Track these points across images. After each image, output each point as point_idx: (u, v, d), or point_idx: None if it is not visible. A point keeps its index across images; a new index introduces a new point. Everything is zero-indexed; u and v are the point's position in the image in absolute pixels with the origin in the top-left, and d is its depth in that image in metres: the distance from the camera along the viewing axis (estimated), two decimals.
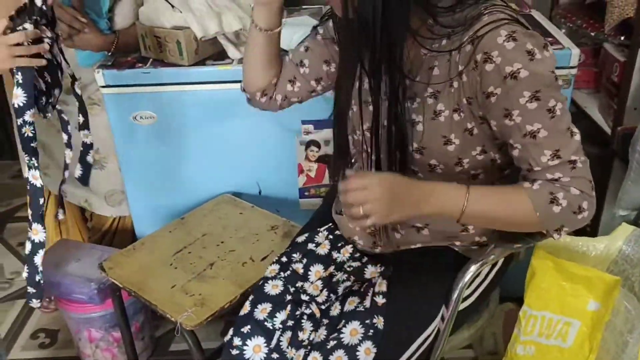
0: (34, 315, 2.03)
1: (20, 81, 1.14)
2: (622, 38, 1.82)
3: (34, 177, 1.24)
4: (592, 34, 1.94)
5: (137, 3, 1.65)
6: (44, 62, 1.18)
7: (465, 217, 0.92)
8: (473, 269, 1.00)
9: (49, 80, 1.24)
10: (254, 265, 1.43)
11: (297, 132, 1.71)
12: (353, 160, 1.17)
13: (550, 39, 1.64)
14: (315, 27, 1.21)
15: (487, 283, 1.10)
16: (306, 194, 1.80)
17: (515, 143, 0.92)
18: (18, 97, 1.15)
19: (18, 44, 1.11)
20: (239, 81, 1.57)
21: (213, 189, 1.79)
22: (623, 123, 1.81)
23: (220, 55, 1.64)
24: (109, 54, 1.64)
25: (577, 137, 0.92)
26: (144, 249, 1.52)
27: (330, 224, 1.24)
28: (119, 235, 2.00)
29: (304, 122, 1.69)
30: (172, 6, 1.55)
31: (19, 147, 1.91)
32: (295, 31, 1.65)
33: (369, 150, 1.06)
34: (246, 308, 1.16)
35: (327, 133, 1.70)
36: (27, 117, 1.17)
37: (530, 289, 1.12)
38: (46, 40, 1.17)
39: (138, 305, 1.70)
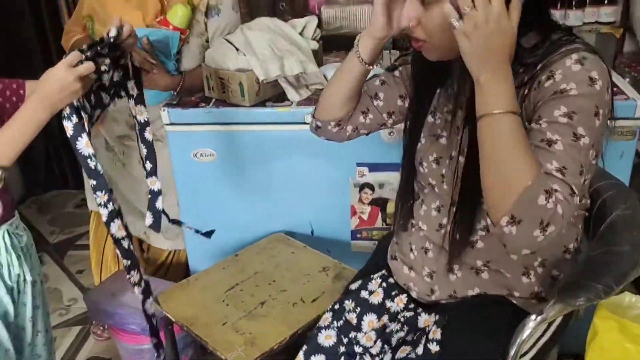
0: (89, 343, 2.08)
1: (67, 113, 1.11)
2: None
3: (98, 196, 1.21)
4: None
5: (204, 46, 1.73)
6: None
7: (490, 119, 0.86)
8: (532, 324, 0.96)
9: (93, 101, 1.23)
10: (304, 307, 1.43)
11: (351, 174, 1.72)
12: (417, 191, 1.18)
13: (614, 89, 1.60)
14: (392, 64, 1.23)
15: (545, 339, 1.06)
16: (358, 236, 1.80)
17: (531, 145, 0.88)
18: (68, 130, 1.12)
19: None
20: (297, 123, 1.64)
21: (267, 227, 1.81)
22: None
23: (279, 97, 1.69)
24: (175, 93, 1.71)
25: (586, 182, 0.89)
26: (198, 284, 1.55)
27: (384, 271, 1.23)
28: (174, 268, 2.04)
29: (359, 165, 1.70)
30: (237, 49, 1.62)
31: (85, 179, 2.01)
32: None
33: (434, 182, 1.10)
34: (300, 359, 1.15)
35: (381, 176, 1.71)
36: (81, 144, 1.12)
37: (591, 349, 1.07)
38: (103, 67, 1.17)
39: (188, 339, 1.72)
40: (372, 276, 1.23)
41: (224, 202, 1.80)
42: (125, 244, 1.22)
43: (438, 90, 1.12)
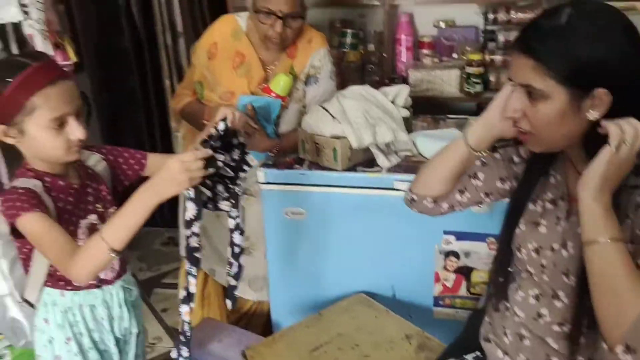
0: None
1: (192, 196, 1.20)
2: None
3: (191, 284, 1.34)
4: None
5: (301, 111, 1.83)
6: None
7: (598, 247, 0.91)
8: None
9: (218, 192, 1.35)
10: None
11: (437, 241, 1.74)
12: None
13: None
14: (493, 146, 1.26)
15: None
16: (441, 303, 1.80)
17: None
18: (189, 210, 1.23)
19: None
20: (386, 188, 1.69)
21: (349, 286, 1.85)
22: None
23: (369, 163, 1.75)
24: (272, 154, 1.81)
25: None
26: (283, 342, 1.60)
27: (478, 352, 1.23)
28: (256, 319, 2.11)
29: (445, 233, 1.72)
30: (333, 117, 1.70)
31: (180, 215, 2.14)
32: (443, 144, 1.72)
33: (532, 270, 1.10)
34: None
35: (468, 245, 1.71)
36: (195, 228, 1.26)
37: None
38: (219, 162, 1.28)
39: None
40: (465, 357, 1.23)
41: (310, 258, 1.85)
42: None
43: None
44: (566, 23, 0.93)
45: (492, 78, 2.40)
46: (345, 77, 2.46)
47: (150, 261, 3.06)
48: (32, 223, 1.13)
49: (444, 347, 1.47)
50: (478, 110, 2.44)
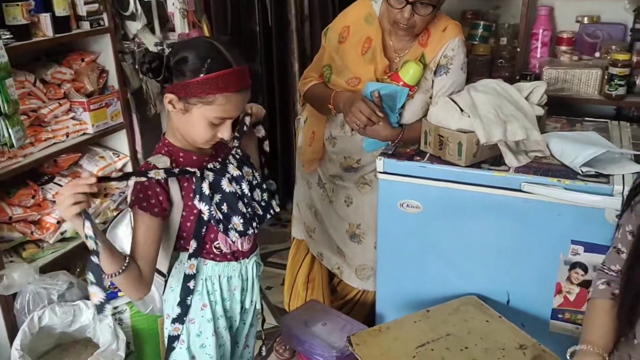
0: (271, 358, 2.23)
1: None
2: None
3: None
4: None
5: (427, 102, 1.78)
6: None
7: None
8: None
9: (226, 210, 1.30)
10: None
11: (563, 250, 1.62)
12: None
13: None
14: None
15: None
16: (559, 316, 1.68)
17: None
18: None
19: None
20: (512, 189, 1.60)
21: (459, 287, 1.78)
22: None
23: (496, 161, 1.67)
24: (393, 144, 1.78)
25: None
26: (390, 334, 1.57)
27: None
28: (359, 307, 2.11)
29: (574, 242, 1.60)
30: (461, 110, 1.63)
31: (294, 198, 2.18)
32: (581, 148, 1.60)
33: None
34: None
35: (598, 258, 1.57)
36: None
37: None
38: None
39: None
40: None
41: (422, 254, 1.81)
42: None
43: None
44: None
45: (637, 81, 2.19)
46: (471, 71, 2.36)
47: (260, 240, 3.14)
48: (140, 221, 1.22)
49: None
50: (617, 115, 2.25)
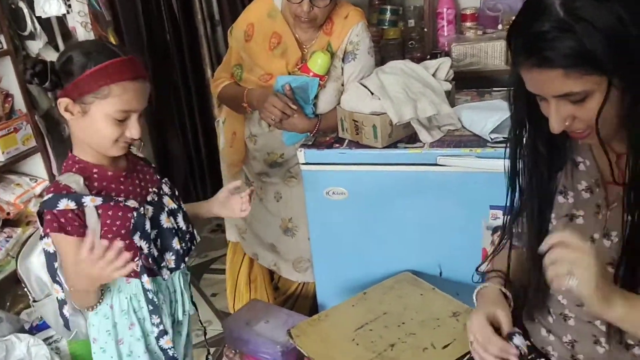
0: None
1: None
2: None
3: None
4: None
5: (339, 90, 1.80)
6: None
7: None
8: None
9: (160, 246, 1.30)
10: (435, 353, 1.42)
11: (484, 217, 1.68)
12: None
13: None
14: None
15: None
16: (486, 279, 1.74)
17: None
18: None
19: None
20: (429, 164, 1.65)
21: (394, 266, 1.82)
22: None
23: (411, 139, 1.71)
24: (311, 135, 1.80)
25: None
26: (328, 321, 1.59)
27: (521, 331, 1.18)
28: (302, 300, 2.12)
29: (492, 208, 1.66)
30: (372, 93, 1.67)
31: None
32: (488, 115, 1.66)
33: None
34: None
35: None
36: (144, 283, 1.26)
37: None
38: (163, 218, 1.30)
39: None
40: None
41: (353, 238, 1.83)
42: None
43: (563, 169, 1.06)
44: (565, 14, 0.83)
45: None
46: (385, 55, 2.41)
47: (199, 248, 3.11)
48: (67, 247, 1.18)
49: None
50: None
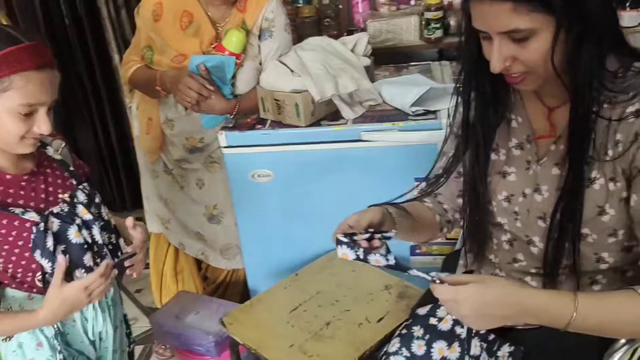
0: None
1: None
2: None
3: None
4: None
5: (257, 69, 1.75)
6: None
7: (574, 325, 0.87)
8: (623, 349, 0.93)
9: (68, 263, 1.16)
10: (370, 327, 1.42)
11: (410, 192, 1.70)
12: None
13: None
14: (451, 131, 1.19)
15: None
16: (417, 251, 1.78)
17: None
18: None
19: None
20: (353, 140, 1.65)
21: (325, 244, 1.80)
22: None
23: (334, 116, 1.69)
24: (231, 116, 1.74)
25: None
26: (261, 305, 1.56)
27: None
28: (232, 287, 2.07)
29: (417, 180, 1.68)
30: (292, 71, 1.63)
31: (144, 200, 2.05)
32: (408, 89, 1.68)
33: (504, 220, 1.07)
34: None
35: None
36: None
37: None
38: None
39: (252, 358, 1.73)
40: (440, 303, 1.21)
41: (282, 220, 1.80)
42: None
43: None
44: None
45: (451, 22, 2.34)
46: (301, 33, 2.37)
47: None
48: None
49: (422, 293, 1.46)
50: (440, 57, 2.40)
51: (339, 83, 1.64)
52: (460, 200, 1.17)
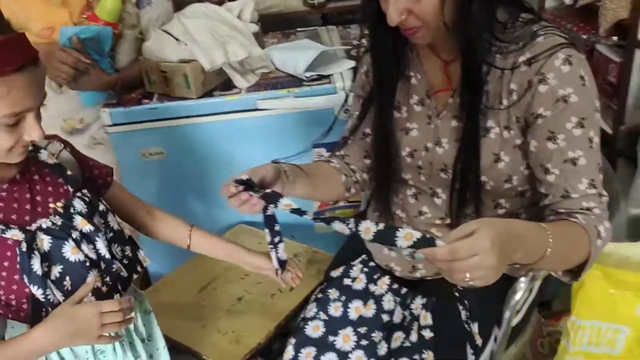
0: None
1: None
2: (616, 39, 1.86)
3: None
4: (584, 36, 1.98)
5: (138, 39, 1.63)
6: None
7: (543, 260, 0.84)
8: (524, 286, 0.99)
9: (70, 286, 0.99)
10: (283, 297, 1.41)
11: (310, 157, 1.68)
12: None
13: None
14: (353, 94, 1.20)
15: (533, 296, 1.10)
16: (322, 217, 1.78)
17: (554, 168, 0.93)
18: None
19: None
20: (249, 110, 1.60)
21: (226, 220, 1.76)
22: (625, 122, 1.85)
23: (226, 86, 1.63)
24: (113, 92, 1.61)
25: (602, 174, 0.94)
26: (167, 289, 1.49)
27: (364, 255, 1.23)
28: None
29: (315, 146, 1.68)
30: (177, 40, 1.54)
31: None
32: (299, 54, 1.65)
33: (409, 175, 1.10)
34: (289, 353, 1.13)
35: None
36: None
37: (578, 300, 1.12)
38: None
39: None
40: (352, 263, 1.22)
41: (179, 199, 1.73)
42: None
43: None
44: None
45: None
46: (180, 1, 2.25)
47: None
48: None
49: (331, 257, 1.47)
50: (324, 21, 2.40)
51: (229, 51, 1.57)
52: (367, 161, 1.18)
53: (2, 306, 0.94)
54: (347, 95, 1.25)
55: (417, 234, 0.77)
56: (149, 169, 1.66)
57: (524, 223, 0.88)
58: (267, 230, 1.05)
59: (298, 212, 0.93)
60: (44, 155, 1.01)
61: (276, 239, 1.07)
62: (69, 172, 1.02)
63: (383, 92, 1.08)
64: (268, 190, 0.97)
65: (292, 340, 1.16)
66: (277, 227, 1.04)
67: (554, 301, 1.65)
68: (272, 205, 0.96)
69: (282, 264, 1.13)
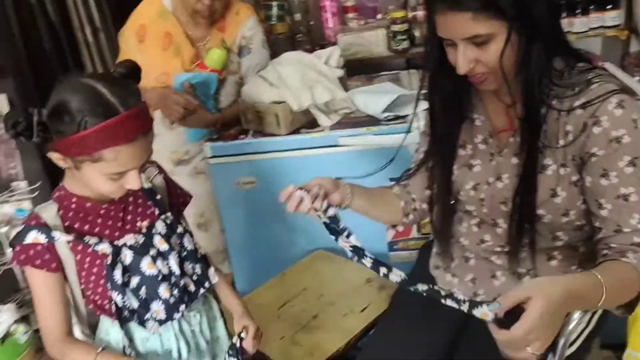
0: None
1: None
2: None
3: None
4: None
5: (238, 83, 1.87)
6: None
7: (596, 307, 0.94)
8: (577, 315, 1.04)
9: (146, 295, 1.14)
10: (354, 316, 1.53)
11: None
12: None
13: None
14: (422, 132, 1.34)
15: (590, 329, 1.14)
16: (395, 247, 1.90)
17: (607, 203, 1.00)
18: None
19: None
20: (330, 146, 1.76)
21: (307, 245, 1.91)
22: None
23: (312, 124, 1.81)
24: (214, 129, 1.84)
25: None
26: (251, 304, 1.63)
27: (429, 283, 1.32)
28: None
29: (391, 180, 1.81)
30: (271, 84, 1.75)
31: None
32: (379, 97, 1.81)
33: (472, 207, 1.19)
34: None
35: None
36: None
37: (634, 332, 1.15)
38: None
39: None
40: (416, 286, 1.32)
41: (266, 224, 1.91)
42: None
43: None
44: None
45: (416, 33, 2.49)
46: (276, 49, 2.49)
47: None
48: (37, 281, 1.09)
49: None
50: (408, 66, 2.54)
51: (315, 93, 1.76)
52: (428, 192, 1.29)
53: (94, 304, 1.13)
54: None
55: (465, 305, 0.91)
56: (242, 196, 1.86)
57: (580, 279, 0.92)
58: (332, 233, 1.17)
59: (357, 251, 1.10)
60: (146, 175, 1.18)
61: (345, 234, 1.17)
62: (158, 196, 1.18)
63: (447, 133, 1.20)
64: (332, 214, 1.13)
65: (360, 357, 1.27)
66: (342, 225, 1.17)
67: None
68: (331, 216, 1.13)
69: (361, 251, 1.19)
